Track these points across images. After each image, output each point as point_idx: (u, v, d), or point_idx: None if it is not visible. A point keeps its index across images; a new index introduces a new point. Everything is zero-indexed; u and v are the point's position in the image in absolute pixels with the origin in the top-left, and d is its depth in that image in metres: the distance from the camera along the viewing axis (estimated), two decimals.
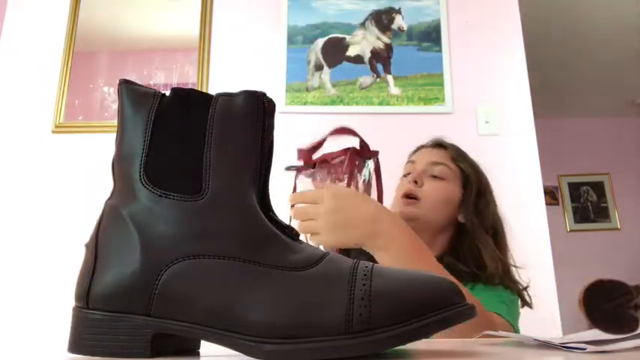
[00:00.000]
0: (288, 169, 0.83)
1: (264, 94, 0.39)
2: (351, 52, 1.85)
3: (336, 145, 0.82)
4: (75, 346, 0.36)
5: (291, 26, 1.87)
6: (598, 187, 3.76)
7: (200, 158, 0.37)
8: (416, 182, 0.98)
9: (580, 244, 3.50)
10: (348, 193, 0.74)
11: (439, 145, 1.07)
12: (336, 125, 0.84)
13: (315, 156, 0.82)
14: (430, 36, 1.86)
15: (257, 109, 0.39)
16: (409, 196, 0.97)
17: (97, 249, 0.37)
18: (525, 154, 1.72)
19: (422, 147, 1.09)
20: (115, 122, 0.41)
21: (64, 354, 0.36)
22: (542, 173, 1.70)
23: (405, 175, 1.04)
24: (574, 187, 3.77)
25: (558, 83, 3.33)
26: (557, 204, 3.71)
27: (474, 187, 1.01)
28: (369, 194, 0.83)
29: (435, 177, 1.00)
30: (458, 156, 1.04)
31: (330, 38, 1.87)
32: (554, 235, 1.70)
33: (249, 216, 0.36)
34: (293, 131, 1.56)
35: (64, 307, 0.41)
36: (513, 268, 0.96)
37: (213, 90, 0.50)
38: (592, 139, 3.81)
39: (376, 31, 1.87)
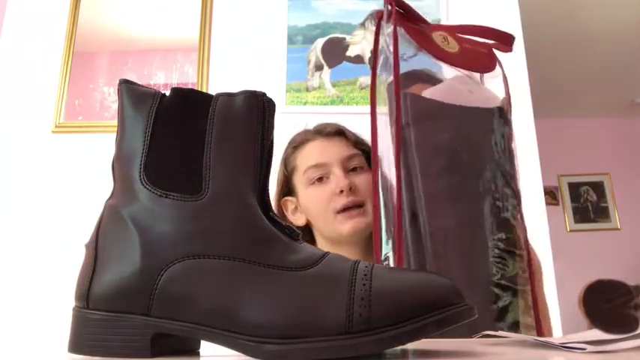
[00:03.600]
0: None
1: (264, 94, 0.39)
2: (351, 52, 1.85)
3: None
4: (75, 346, 0.36)
5: (291, 26, 1.87)
6: (598, 187, 3.76)
7: (200, 158, 0.37)
8: (351, 189, 0.85)
9: (580, 244, 3.50)
10: None
11: (339, 132, 0.92)
12: None
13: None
14: None
15: (257, 109, 0.39)
16: (353, 207, 0.85)
17: (97, 249, 0.37)
18: (525, 154, 1.72)
19: (307, 139, 0.92)
20: (115, 122, 0.41)
21: (64, 354, 0.36)
22: (542, 173, 1.70)
23: (319, 180, 0.88)
24: (574, 187, 3.77)
25: (558, 83, 3.33)
26: (557, 204, 3.71)
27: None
28: None
29: (355, 170, 0.89)
30: (355, 138, 0.93)
31: (330, 38, 1.87)
32: (554, 235, 1.70)
33: (249, 216, 0.36)
34: (293, 131, 1.56)
35: (64, 307, 0.41)
36: None
37: (213, 90, 0.50)
38: (592, 139, 3.81)
39: None
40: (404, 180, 0.55)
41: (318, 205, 0.88)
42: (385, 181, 0.58)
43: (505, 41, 0.66)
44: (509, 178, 0.59)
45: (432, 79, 0.62)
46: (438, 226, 0.54)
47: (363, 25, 1.88)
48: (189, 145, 0.38)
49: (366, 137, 0.95)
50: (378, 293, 0.32)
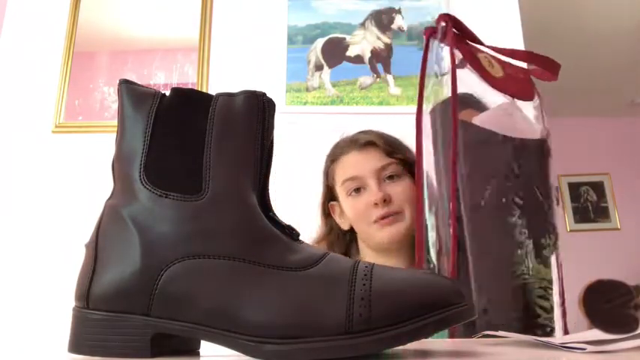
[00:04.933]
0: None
1: (264, 94, 0.39)
2: (351, 52, 1.85)
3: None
4: (75, 346, 0.36)
5: (291, 26, 1.87)
6: (598, 187, 3.76)
7: (200, 158, 0.37)
8: (385, 201, 0.87)
9: (580, 244, 3.50)
10: None
11: (369, 143, 0.94)
12: None
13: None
14: None
15: (257, 109, 0.39)
16: (388, 215, 0.87)
17: (97, 249, 0.37)
18: None
19: (342, 152, 0.96)
20: (115, 122, 0.41)
21: (64, 354, 0.36)
22: None
23: (356, 191, 0.91)
24: (574, 187, 3.77)
25: (558, 83, 3.32)
26: (557, 204, 3.70)
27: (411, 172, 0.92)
28: None
29: (391, 177, 0.91)
30: (390, 147, 0.94)
31: (330, 38, 1.87)
32: None
33: (249, 216, 0.36)
34: (293, 131, 1.56)
35: (64, 307, 0.41)
36: None
37: (213, 90, 0.50)
38: (592, 139, 3.81)
39: (376, 31, 1.87)
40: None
41: (356, 216, 0.92)
42: (430, 195, 0.57)
43: (551, 69, 0.63)
44: (548, 210, 0.59)
45: (479, 105, 0.61)
46: (483, 259, 0.53)
47: (363, 25, 1.88)
48: (189, 145, 0.38)
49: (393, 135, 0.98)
50: (378, 293, 0.32)
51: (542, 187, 0.58)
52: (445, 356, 0.35)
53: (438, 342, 0.46)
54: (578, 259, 3.17)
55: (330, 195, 0.99)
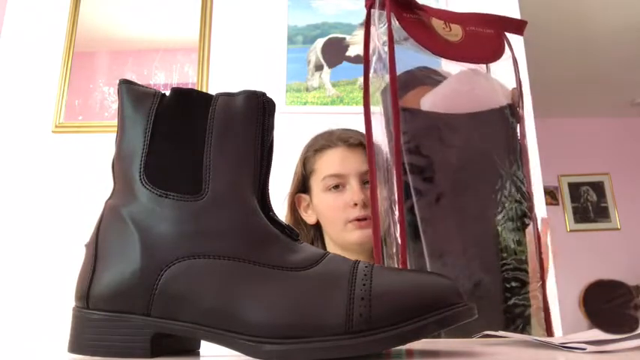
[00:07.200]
0: None
1: (264, 94, 0.39)
2: (351, 52, 1.85)
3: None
4: (75, 346, 0.36)
5: (291, 26, 1.87)
6: (598, 187, 3.76)
7: (200, 158, 0.37)
8: (365, 204, 0.86)
9: (580, 244, 3.50)
10: None
11: (360, 144, 0.92)
12: None
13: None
14: None
15: (257, 109, 0.39)
16: (365, 218, 0.86)
17: (97, 249, 0.37)
18: None
19: (329, 145, 0.93)
20: (115, 122, 0.41)
21: (64, 354, 0.36)
22: (542, 173, 1.70)
23: (335, 187, 0.90)
24: (574, 187, 3.77)
25: (558, 83, 3.33)
26: (558, 204, 3.71)
27: None
28: None
29: (367, 182, 0.88)
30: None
31: (330, 38, 1.86)
32: (554, 235, 1.70)
33: (249, 216, 0.36)
34: (293, 131, 1.56)
35: (64, 307, 0.41)
36: None
37: (213, 90, 0.50)
38: (592, 139, 3.81)
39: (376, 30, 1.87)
40: (405, 203, 0.50)
41: (330, 212, 0.90)
42: (383, 191, 0.54)
43: (515, 29, 0.57)
44: (520, 182, 0.54)
45: (430, 79, 0.55)
46: (441, 251, 0.50)
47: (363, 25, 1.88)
48: (189, 145, 0.38)
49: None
50: (378, 293, 0.32)
51: (512, 155, 0.53)
52: (445, 356, 0.35)
53: (438, 342, 0.46)
54: (578, 259, 3.18)
55: (300, 186, 0.96)
